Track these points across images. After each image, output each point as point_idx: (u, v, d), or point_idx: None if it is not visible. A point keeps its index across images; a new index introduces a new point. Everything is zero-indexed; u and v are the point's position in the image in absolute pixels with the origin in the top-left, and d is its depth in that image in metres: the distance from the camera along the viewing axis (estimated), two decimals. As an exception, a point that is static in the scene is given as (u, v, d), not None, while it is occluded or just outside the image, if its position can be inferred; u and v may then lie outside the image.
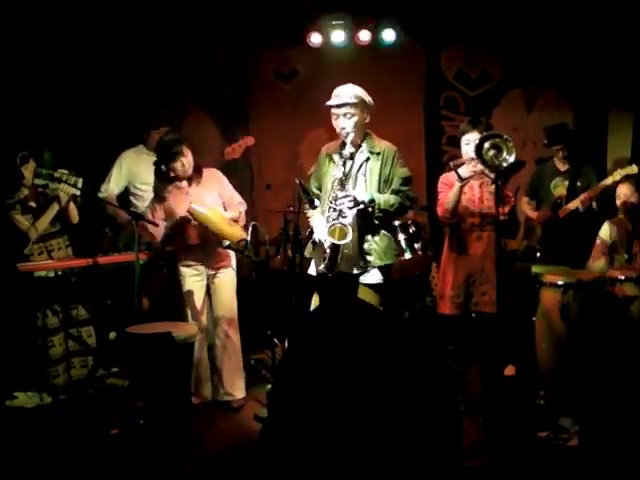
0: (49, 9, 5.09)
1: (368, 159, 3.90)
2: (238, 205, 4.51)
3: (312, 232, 4.02)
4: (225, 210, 4.48)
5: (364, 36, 5.51)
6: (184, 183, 4.36)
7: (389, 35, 5.53)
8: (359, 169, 3.90)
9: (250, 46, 6.14)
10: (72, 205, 4.70)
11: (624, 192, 4.54)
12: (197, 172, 4.38)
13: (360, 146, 3.92)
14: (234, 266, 4.56)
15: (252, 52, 6.24)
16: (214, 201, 4.40)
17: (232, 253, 4.50)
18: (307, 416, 2.90)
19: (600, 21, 5.37)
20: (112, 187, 5.13)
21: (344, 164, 3.81)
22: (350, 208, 3.75)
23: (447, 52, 6.26)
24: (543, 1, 5.47)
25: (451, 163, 4.27)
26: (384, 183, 3.90)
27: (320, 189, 4.05)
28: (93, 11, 5.23)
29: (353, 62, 5.64)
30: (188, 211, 4.25)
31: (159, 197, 4.38)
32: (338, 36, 5.52)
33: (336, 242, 3.69)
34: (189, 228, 4.35)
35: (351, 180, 3.88)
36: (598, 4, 5.35)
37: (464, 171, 4.18)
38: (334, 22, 5.49)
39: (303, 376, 2.96)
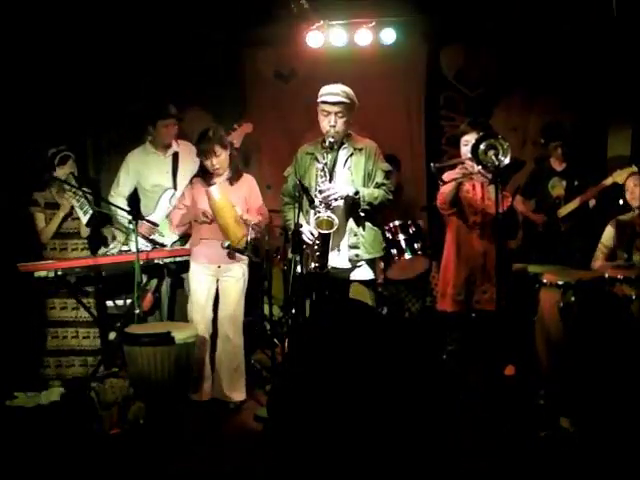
0: (52, 10, 5.10)
1: (352, 154, 4.07)
2: (259, 216, 4.53)
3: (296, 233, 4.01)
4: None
5: (364, 36, 5.49)
6: (221, 179, 4.47)
7: (389, 35, 5.51)
8: (344, 164, 4.08)
9: (250, 46, 6.15)
10: (83, 223, 4.74)
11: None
12: (235, 173, 4.50)
13: (343, 143, 4.08)
14: (246, 269, 4.55)
15: (252, 52, 6.24)
16: (238, 202, 4.45)
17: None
18: (306, 415, 2.92)
19: (601, 23, 5.36)
20: (121, 190, 5.06)
21: (328, 155, 3.97)
22: (336, 200, 3.93)
23: (447, 52, 6.25)
24: (543, 3, 5.46)
25: (432, 165, 4.30)
26: (368, 177, 4.08)
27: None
28: (96, 10, 5.25)
29: (353, 62, 5.62)
30: (206, 190, 4.33)
31: (191, 182, 4.58)
32: (338, 36, 5.51)
33: (324, 232, 3.85)
34: (203, 223, 4.42)
35: (337, 174, 4.04)
36: (598, 5, 5.34)
37: (452, 173, 4.24)
38: (334, 22, 5.48)
39: (303, 376, 2.97)
